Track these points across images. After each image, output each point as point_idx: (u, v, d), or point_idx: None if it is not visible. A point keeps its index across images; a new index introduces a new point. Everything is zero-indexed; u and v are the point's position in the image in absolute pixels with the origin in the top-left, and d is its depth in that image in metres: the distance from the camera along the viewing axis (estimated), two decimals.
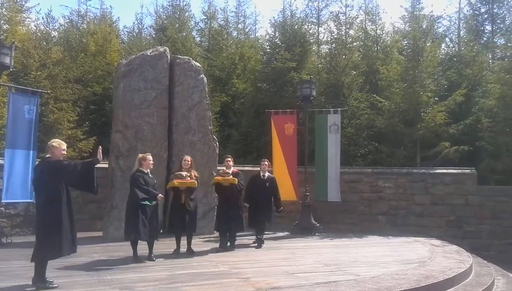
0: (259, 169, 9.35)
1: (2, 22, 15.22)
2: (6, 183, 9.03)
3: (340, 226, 12.31)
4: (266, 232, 9.32)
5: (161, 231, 8.12)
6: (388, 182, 12.55)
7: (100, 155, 5.61)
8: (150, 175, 7.41)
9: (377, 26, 19.00)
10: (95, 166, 5.62)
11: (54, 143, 5.52)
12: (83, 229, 10.23)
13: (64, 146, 5.62)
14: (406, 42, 17.40)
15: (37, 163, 5.93)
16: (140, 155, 7.56)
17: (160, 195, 7.26)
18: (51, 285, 5.30)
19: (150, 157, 7.50)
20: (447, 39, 19.17)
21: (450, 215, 12.11)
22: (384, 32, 19.22)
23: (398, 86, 14.80)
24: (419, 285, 5.79)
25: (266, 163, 9.28)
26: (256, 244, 8.89)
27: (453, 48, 18.55)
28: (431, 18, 17.95)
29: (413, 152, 14.48)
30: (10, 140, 9.21)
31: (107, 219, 9.86)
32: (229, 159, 8.58)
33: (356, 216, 12.49)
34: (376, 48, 18.40)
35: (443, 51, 18.28)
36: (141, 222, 7.01)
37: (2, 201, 9.21)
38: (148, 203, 7.06)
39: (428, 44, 15.37)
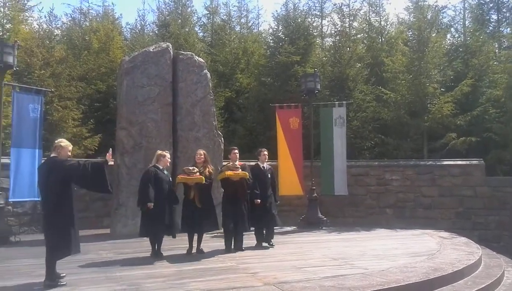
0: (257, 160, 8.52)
1: (4, 21, 15.22)
2: (13, 182, 9.08)
3: (347, 219, 12.27)
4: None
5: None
6: (395, 174, 12.48)
7: (109, 158, 5.59)
8: (165, 172, 7.34)
9: (381, 17, 18.84)
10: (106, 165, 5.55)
11: (62, 144, 5.54)
12: (90, 226, 10.33)
13: (70, 147, 5.66)
14: (411, 33, 17.25)
15: (42, 161, 5.86)
16: (159, 152, 7.49)
17: (150, 204, 6.93)
18: (59, 283, 5.31)
19: (168, 155, 7.48)
20: (452, 29, 18.98)
21: (458, 207, 12.03)
22: (388, 23, 19.08)
23: (404, 77, 14.68)
24: (427, 278, 5.74)
25: (266, 152, 8.51)
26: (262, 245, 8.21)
27: (459, 38, 18.35)
28: (436, 8, 17.76)
29: (420, 143, 14.39)
30: (15, 139, 9.25)
31: (114, 216, 9.88)
32: (236, 151, 8.04)
33: (363, 209, 12.44)
34: (380, 40, 18.25)
35: (448, 41, 18.11)
36: (152, 220, 6.99)
37: (10, 200, 9.27)
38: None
39: (433, 35, 15.22)
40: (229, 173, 7.60)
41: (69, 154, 5.62)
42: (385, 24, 18.82)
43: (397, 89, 14.72)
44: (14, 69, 9.90)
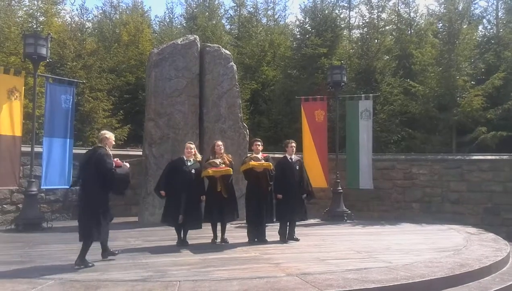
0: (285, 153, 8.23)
1: (38, 14, 15.69)
2: (45, 170, 9.44)
3: (372, 213, 12.19)
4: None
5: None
6: (422, 168, 12.30)
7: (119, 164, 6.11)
8: (189, 163, 7.43)
9: (410, 8, 18.46)
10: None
11: (106, 135, 6.06)
12: (119, 214, 10.56)
13: (113, 137, 6.22)
14: (441, 24, 16.83)
15: (88, 149, 6.36)
16: (186, 144, 7.70)
17: (162, 192, 7.34)
18: (89, 265, 5.69)
19: (189, 145, 7.55)
20: (484, 20, 18.36)
21: (487, 202, 11.77)
22: (418, 14, 18.67)
23: (433, 70, 14.39)
24: (453, 273, 5.67)
25: (294, 144, 8.17)
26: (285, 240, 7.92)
27: (491, 30, 17.79)
28: None
29: (449, 137, 14.11)
30: (48, 129, 9.59)
31: (142, 205, 10.13)
32: (259, 143, 7.91)
33: (389, 203, 12.33)
34: (409, 32, 17.90)
35: (480, 33, 17.61)
36: (175, 209, 7.16)
37: (42, 187, 9.62)
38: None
39: (464, 27, 14.86)
40: (252, 163, 7.56)
41: (113, 143, 6.18)
42: (415, 16, 18.46)
43: (426, 82, 14.45)
44: (47, 61, 10.22)
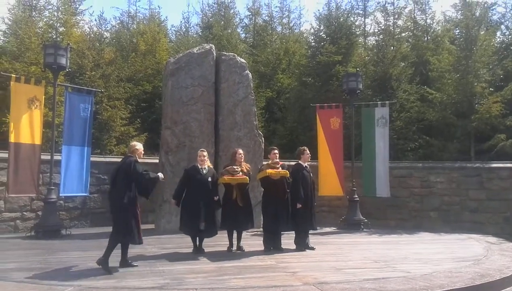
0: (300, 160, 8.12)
1: (58, 25, 16.03)
2: (64, 177, 9.60)
3: (389, 222, 12.07)
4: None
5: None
6: (440, 176, 12.13)
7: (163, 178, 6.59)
8: (204, 170, 7.48)
9: (427, 15, 18.31)
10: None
11: (137, 147, 6.41)
12: None
13: (142, 148, 6.56)
14: (458, 31, 16.67)
15: (122, 158, 6.62)
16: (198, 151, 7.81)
17: (172, 200, 7.65)
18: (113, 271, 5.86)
19: (201, 153, 7.60)
20: (502, 26, 18.10)
21: (507, 211, 11.54)
22: (434, 21, 18.53)
23: (450, 77, 14.24)
24: (473, 284, 5.57)
25: (307, 151, 8.14)
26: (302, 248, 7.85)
27: (510, 36, 17.52)
28: (485, 5, 17.02)
29: (467, 145, 13.90)
30: (67, 138, 9.77)
31: (158, 212, 10.21)
32: (276, 151, 7.89)
33: (406, 212, 12.18)
34: (426, 38, 17.76)
35: (498, 39, 17.34)
36: (191, 218, 7.20)
37: (60, 195, 9.77)
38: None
39: (482, 33, 14.67)
40: (270, 171, 7.54)
41: (142, 154, 6.51)
42: (431, 22, 18.32)
43: (443, 89, 14.30)
44: (67, 70, 10.44)
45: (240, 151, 7.89)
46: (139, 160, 6.34)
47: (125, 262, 6.22)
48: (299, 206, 7.66)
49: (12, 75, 9.60)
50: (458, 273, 6.08)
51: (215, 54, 11.02)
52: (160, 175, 6.49)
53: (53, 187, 9.50)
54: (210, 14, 21.08)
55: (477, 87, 13.63)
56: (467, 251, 8.13)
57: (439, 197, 12.06)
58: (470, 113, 13.66)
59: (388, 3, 18.37)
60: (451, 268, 6.46)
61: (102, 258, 5.91)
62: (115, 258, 6.09)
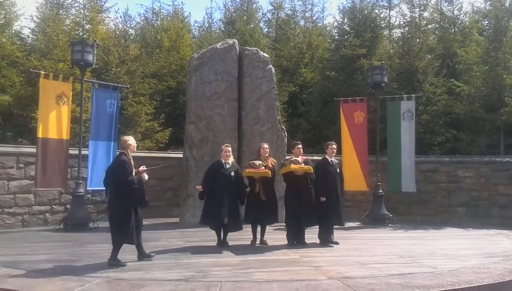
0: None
1: (84, 22, 16.35)
2: (91, 172, 9.80)
3: (415, 217, 11.88)
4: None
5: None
6: (468, 171, 11.86)
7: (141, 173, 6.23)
8: (227, 165, 7.50)
9: (454, 6, 17.90)
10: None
11: (129, 142, 6.22)
12: (160, 215, 10.94)
13: (135, 143, 6.38)
14: (486, 22, 16.25)
15: (117, 154, 6.48)
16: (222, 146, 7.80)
17: (199, 186, 7.48)
18: (121, 263, 5.89)
19: (226, 148, 7.63)
20: None
21: None
22: (462, 12, 18.12)
23: (479, 69, 13.87)
24: (503, 280, 5.42)
25: (335, 146, 8.08)
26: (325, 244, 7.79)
27: None
28: None
29: (496, 139, 13.55)
30: (93, 133, 9.97)
31: (183, 206, 10.33)
32: (300, 146, 7.90)
33: (432, 207, 11.96)
34: (453, 30, 17.35)
35: None
36: (215, 211, 7.26)
37: (87, 189, 9.98)
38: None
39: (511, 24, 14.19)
40: (293, 166, 7.51)
41: (135, 148, 6.38)
42: (459, 14, 17.90)
43: (471, 82, 13.95)
44: (93, 67, 10.63)
45: (265, 145, 7.88)
46: (133, 154, 6.26)
47: (142, 256, 6.24)
48: (322, 199, 7.62)
49: (41, 72, 9.84)
50: (486, 269, 5.94)
51: (238, 49, 11.03)
52: (145, 176, 6.26)
53: (81, 181, 9.71)
54: (233, 9, 21.10)
55: (507, 79, 13.24)
56: (496, 247, 7.94)
57: (467, 192, 11.79)
58: (499, 106, 13.29)
59: None
60: (479, 264, 6.31)
61: (109, 259, 5.95)
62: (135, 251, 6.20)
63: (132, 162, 6.11)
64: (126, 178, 5.92)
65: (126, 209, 5.96)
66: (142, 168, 6.25)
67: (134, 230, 6.00)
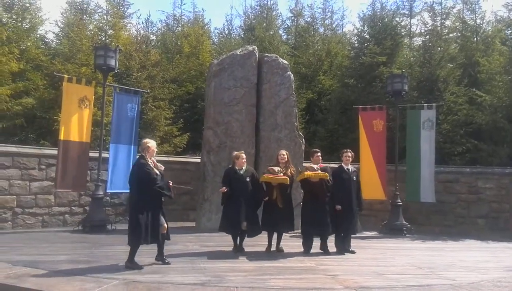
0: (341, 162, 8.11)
1: (107, 27, 16.66)
2: (111, 174, 9.93)
3: (433, 228, 11.69)
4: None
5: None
6: (489, 182, 11.64)
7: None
8: (241, 171, 7.53)
9: (476, 15, 17.62)
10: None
11: (149, 145, 6.23)
12: (176, 219, 10.98)
13: (155, 146, 6.39)
14: (510, 31, 15.93)
15: (137, 157, 6.53)
16: (234, 153, 7.78)
17: (223, 188, 7.40)
18: (138, 266, 5.95)
19: (243, 156, 7.66)
20: None
21: None
22: (484, 21, 17.78)
23: (501, 79, 13.65)
24: None
25: (350, 153, 8.04)
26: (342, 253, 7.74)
27: None
28: None
29: None
30: (114, 136, 10.12)
31: (199, 211, 10.38)
32: (319, 154, 7.88)
33: (452, 218, 11.77)
34: (475, 39, 17.08)
35: None
36: (233, 217, 7.28)
37: (107, 191, 10.12)
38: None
39: None
40: (308, 173, 7.48)
41: (155, 151, 6.36)
42: (481, 23, 17.58)
43: (493, 91, 13.72)
44: (115, 71, 10.80)
45: (283, 152, 7.86)
46: (155, 158, 6.34)
47: (160, 258, 6.30)
48: (338, 207, 7.59)
49: (65, 75, 10.07)
50: (507, 283, 5.82)
51: (257, 55, 11.08)
52: (161, 166, 6.29)
53: (100, 183, 9.84)
54: (252, 16, 21.23)
55: None
56: None
57: (487, 204, 11.57)
58: None
59: (436, 3, 17.92)
60: (500, 277, 6.18)
61: (127, 262, 6.00)
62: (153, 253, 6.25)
63: (152, 164, 6.16)
64: (147, 177, 5.99)
65: (146, 210, 5.99)
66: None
67: (150, 231, 6.02)
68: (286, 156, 7.76)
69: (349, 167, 8.03)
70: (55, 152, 9.69)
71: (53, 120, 12.14)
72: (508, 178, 11.52)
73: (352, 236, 8.03)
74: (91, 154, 10.02)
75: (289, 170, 7.65)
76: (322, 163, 8.08)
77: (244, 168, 7.61)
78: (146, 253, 6.30)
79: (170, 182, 6.34)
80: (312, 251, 7.66)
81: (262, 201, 7.58)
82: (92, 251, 7.28)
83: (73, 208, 10.47)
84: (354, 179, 7.96)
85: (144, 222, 5.95)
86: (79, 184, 9.79)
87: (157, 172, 6.13)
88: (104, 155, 10.07)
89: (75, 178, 9.61)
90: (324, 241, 7.74)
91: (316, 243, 7.76)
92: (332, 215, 7.62)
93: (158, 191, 6.08)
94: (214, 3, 40.66)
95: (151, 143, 6.31)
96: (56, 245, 7.77)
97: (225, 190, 7.35)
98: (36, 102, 13.10)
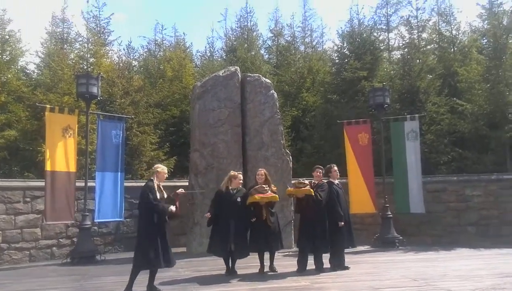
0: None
1: (88, 56, 16.63)
2: (98, 203, 9.77)
3: (425, 238, 11.69)
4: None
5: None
6: (476, 190, 11.73)
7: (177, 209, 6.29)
8: (234, 191, 7.48)
9: (452, 26, 18.05)
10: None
11: (158, 169, 6.26)
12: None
13: (166, 170, 6.39)
14: (485, 40, 16.35)
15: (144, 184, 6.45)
16: (232, 173, 7.70)
17: (207, 214, 7.43)
18: None
19: (240, 177, 7.66)
20: None
21: None
22: (460, 32, 18.21)
23: (480, 87, 13.92)
24: None
25: (336, 168, 8.14)
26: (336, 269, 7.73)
27: None
28: None
29: (502, 156, 13.44)
30: (100, 164, 9.99)
31: (190, 235, 10.25)
32: (320, 170, 7.91)
33: (442, 228, 11.79)
34: (452, 50, 17.47)
35: None
36: (222, 239, 7.19)
37: (95, 221, 9.94)
38: None
39: (510, 41, 14.31)
40: (290, 190, 7.56)
41: (166, 176, 6.38)
42: (457, 33, 18.01)
43: (473, 100, 13.98)
44: (98, 99, 10.74)
45: (260, 171, 7.79)
46: (163, 183, 6.30)
47: (151, 288, 6.12)
48: (341, 224, 7.56)
49: (47, 105, 9.97)
50: (502, 290, 5.82)
51: (240, 76, 11.16)
52: (172, 208, 6.21)
53: (87, 213, 9.68)
54: (233, 38, 21.41)
55: (510, 96, 13.26)
56: (510, 266, 7.80)
57: (476, 211, 11.63)
58: (504, 123, 13.26)
59: (412, 17, 18.26)
60: (494, 284, 6.20)
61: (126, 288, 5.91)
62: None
63: (160, 188, 6.15)
64: (150, 201, 5.95)
65: (152, 234, 5.94)
66: (180, 190, 6.43)
67: (162, 255, 5.94)
68: (263, 175, 7.69)
69: (337, 181, 8.07)
70: (40, 184, 9.52)
71: (36, 151, 11.97)
72: (495, 184, 11.64)
73: (348, 250, 8.02)
74: (77, 183, 9.86)
75: (271, 187, 7.61)
76: (307, 179, 8.04)
77: (236, 188, 7.56)
78: (139, 282, 6.11)
79: (179, 190, 6.37)
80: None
81: (251, 222, 7.49)
82: (81, 283, 7.10)
83: (60, 240, 10.23)
84: (343, 193, 8.03)
85: (154, 245, 5.88)
86: (68, 215, 9.57)
87: (161, 195, 6.09)
88: (90, 183, 9.92)
89: (64, 209, 9.41)
90: (318, 257, 7.68)
91: (312, 260, 7.70)
92: (324, 231, 7.57)
93: (155, 211, 5.97)
94: (195, 27, 41.08)
95: (161, 168, 6.32)
96: (45, 280, 7.55)
97: (209, 215, 7.33)
98: (19, 134, 12.93)
